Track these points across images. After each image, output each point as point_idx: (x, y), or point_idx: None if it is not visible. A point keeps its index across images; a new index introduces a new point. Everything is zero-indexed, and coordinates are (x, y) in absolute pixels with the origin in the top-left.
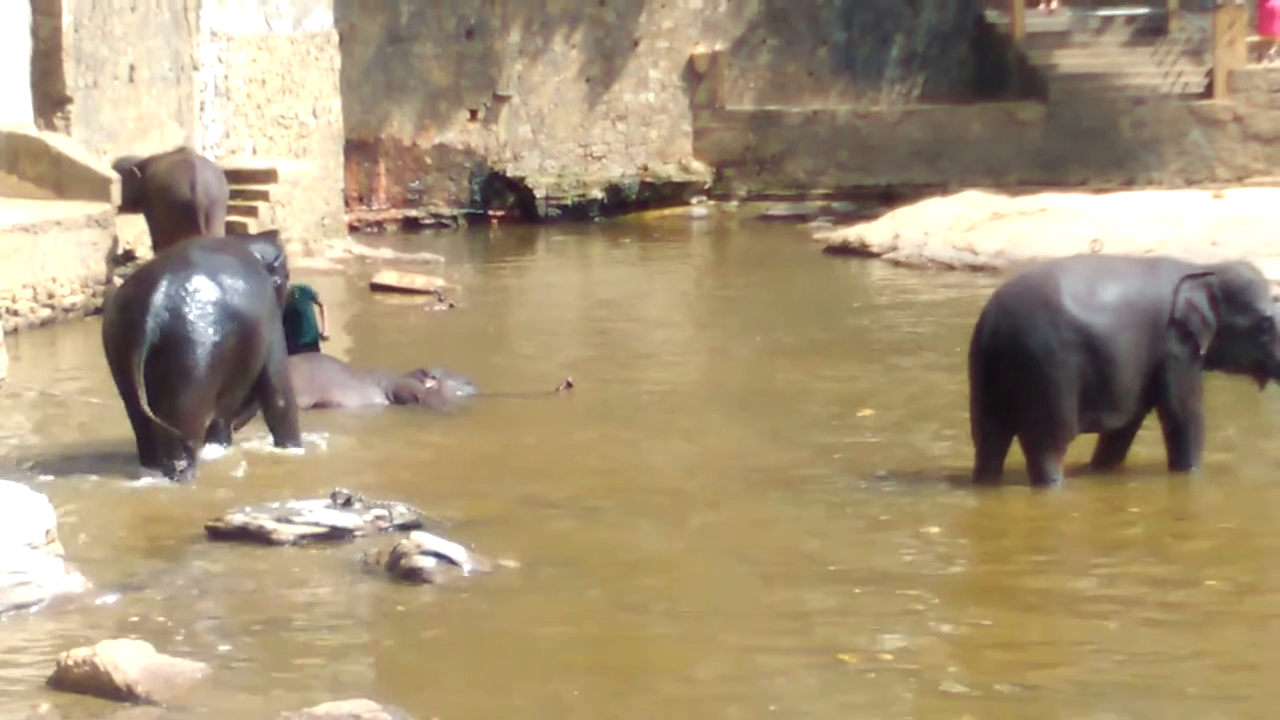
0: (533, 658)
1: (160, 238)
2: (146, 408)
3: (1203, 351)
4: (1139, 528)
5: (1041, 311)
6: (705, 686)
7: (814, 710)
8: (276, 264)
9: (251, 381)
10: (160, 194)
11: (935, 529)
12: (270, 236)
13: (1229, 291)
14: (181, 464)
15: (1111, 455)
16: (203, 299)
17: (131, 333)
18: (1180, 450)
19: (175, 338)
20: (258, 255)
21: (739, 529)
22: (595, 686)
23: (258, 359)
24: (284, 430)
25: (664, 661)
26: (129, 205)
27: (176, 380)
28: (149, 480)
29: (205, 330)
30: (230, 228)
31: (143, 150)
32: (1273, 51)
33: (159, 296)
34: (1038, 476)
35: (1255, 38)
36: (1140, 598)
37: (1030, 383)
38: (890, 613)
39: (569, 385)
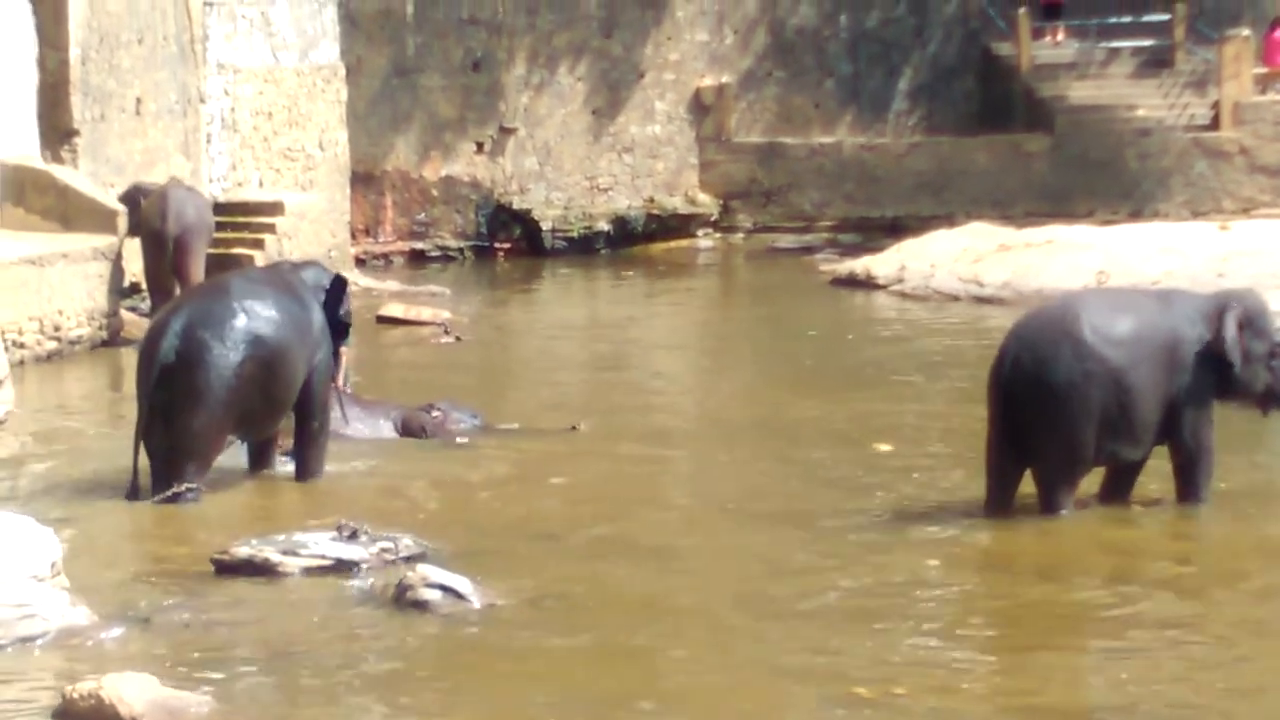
0: (539, 692)
1: (146, 265)
2: (150, 428)
3: (1237, 382)
4: (1150, 560)
5: (1064, 344)
6: (711, 715)
7: None
8: (330, 289)
9: (285, 408)
10: (142, 223)
11: (941, 562)
12: (318, 264)
13: (1249, 318)
14: (181, 488)
15: (1119, 488)
16: (222, 323)
17: (149, 355)
18: (1190, 483)
19: (187, 359)
20: (308, 280)
21: (747, 564)
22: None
23: (286, 386)
24: (309, 458)
25: (673, 699)
26: (133, 232)
27: (185, 401)
28: (155, 512)
29: (220, 353)
30: (237, 261)
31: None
32: (1278, 84)
33: (179, 320)
34: (1049, 507)
35: (1261, 70)
36: (1152, 631)
37: (1051, 416)
38: (903, 646)
39: (574, 429)
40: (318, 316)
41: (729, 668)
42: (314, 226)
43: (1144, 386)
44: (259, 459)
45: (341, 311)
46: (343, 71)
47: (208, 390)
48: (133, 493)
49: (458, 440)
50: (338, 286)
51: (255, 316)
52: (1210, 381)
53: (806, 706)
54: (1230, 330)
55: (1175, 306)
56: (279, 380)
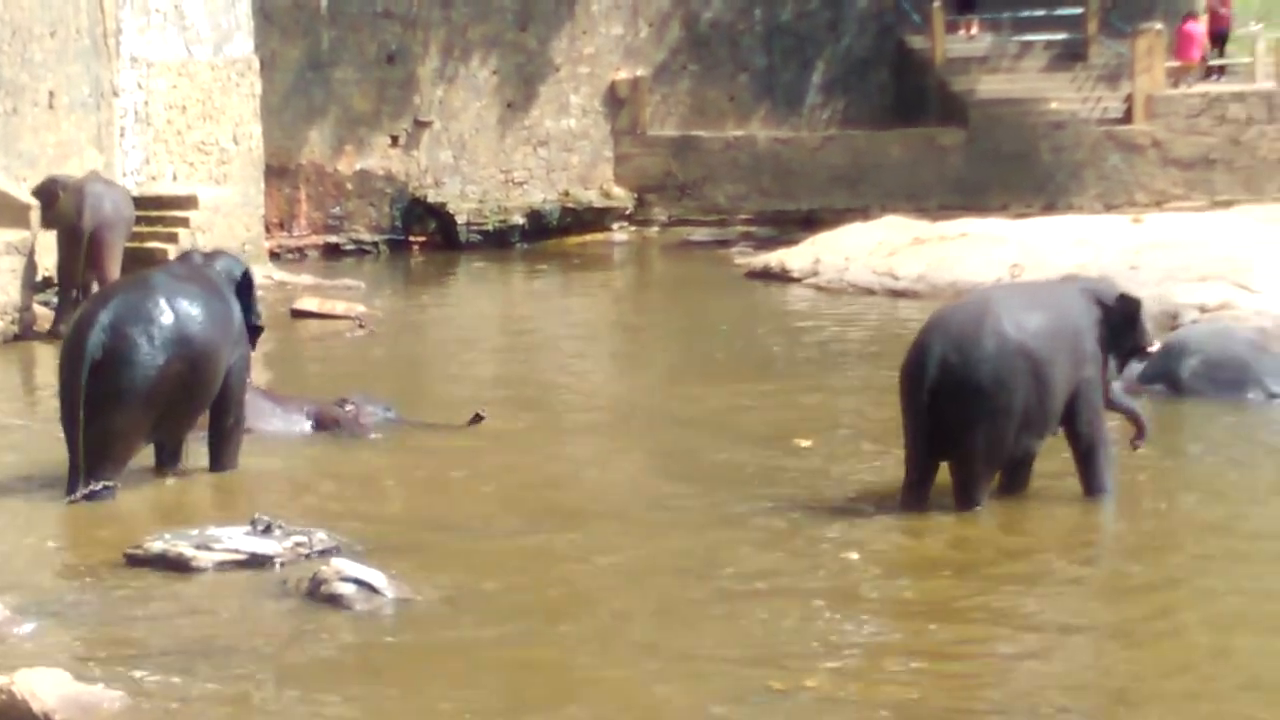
0: (454, 685)
1: (60, 259)
2: (79, 424)
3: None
4: (1059, 555)
5: (991, 342)
6: (632, 715)
7: None
8: (242, 282)
9: (205, 406)
10: (59, 217)
11: (861, 556)
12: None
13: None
14: (98, 485)
15: (1018, 479)
16: (150, 321)
17: (75, 349)
18: (1094, 473)
19: (115, 356)
20: (221, 270)
21: (663, 558)
22: (518, 715)
23: (210, 385)
24: (224, 452)
25: (588, 691)
26: (49, 226)
27: (110, 399)
28: (69, 505)
29: (148, 352)
30: (151, 255)
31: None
32: (1190, 77)
33: (107, 315)
34: (967, 501)
35: (1174, 63)
36: (1066, 618)
37: (979, 412)
38: (819, 640)
39: (478, 419)
40: (237, 312)
41: (644, 662)
42: (228, 220)
43: (1058, 381)
44: (172, 455)
45: (254, 306)
46: (257, 65)
47: (133, 389)
48: (72, 487)
49: (371, 434)
50: (249, 281)
51: (182, 315)
52: (1099, 372)
53: (723, 699)
54: (1148, 332)
55: (1076, 298)
56: (203, 379)
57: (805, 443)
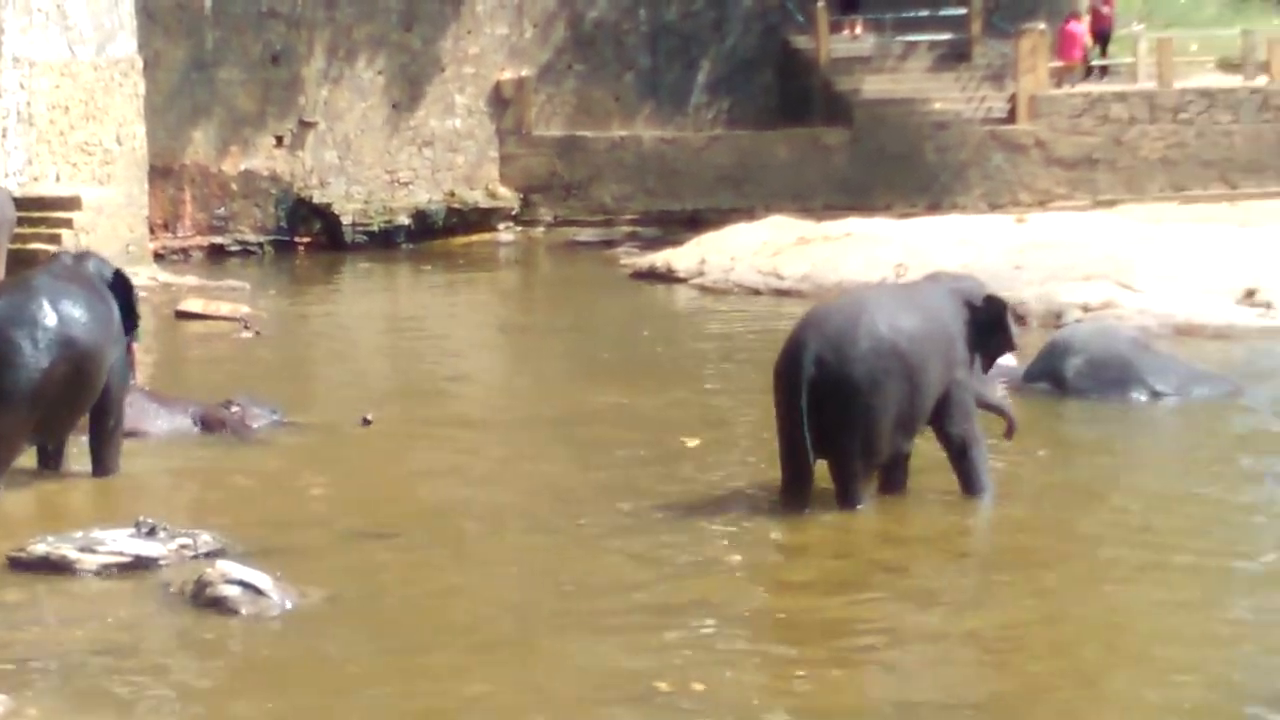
0: (340, 688)
1: None
2: None
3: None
4: (938, 556)
5: (866, 342)
6: (517, 716)
7: None
8: (118, 283)
9: (87, 409)
10: None
11: (742, 557)
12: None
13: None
14: None
15: (897, 478)
16: (34, 323)
17: None
18: (971, 473)
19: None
20: (95, 274)
21: (548, 560)
22: (401, 718)
23: (92, 388)
24: (106, 454)
25: (473, 693)
26: None
27: None
28: None
29: (31, 355)
30: (34, 256)
31: None
32: (1073, 77)
33: None
34: (848, 501)
35: (1057, 63)
36: (943, 621)
37: (854, 411)
38: (706, 642)
39: (367, 422)
40: (117, 314)
41: (529, 666)
42: (111, 221)
43: (931, 381)
44: (54, 457)
45: (134, 307)
46: (140, 65)
47: (16, 391)
48: None
49: (256, 436)
50: (124, 282)
51: (65, 317)
52: (969, 373)
53: (608, 701)
54: (1016, 332)
55: (945, 298)
56: (87, 382)
57: (692, 442)
